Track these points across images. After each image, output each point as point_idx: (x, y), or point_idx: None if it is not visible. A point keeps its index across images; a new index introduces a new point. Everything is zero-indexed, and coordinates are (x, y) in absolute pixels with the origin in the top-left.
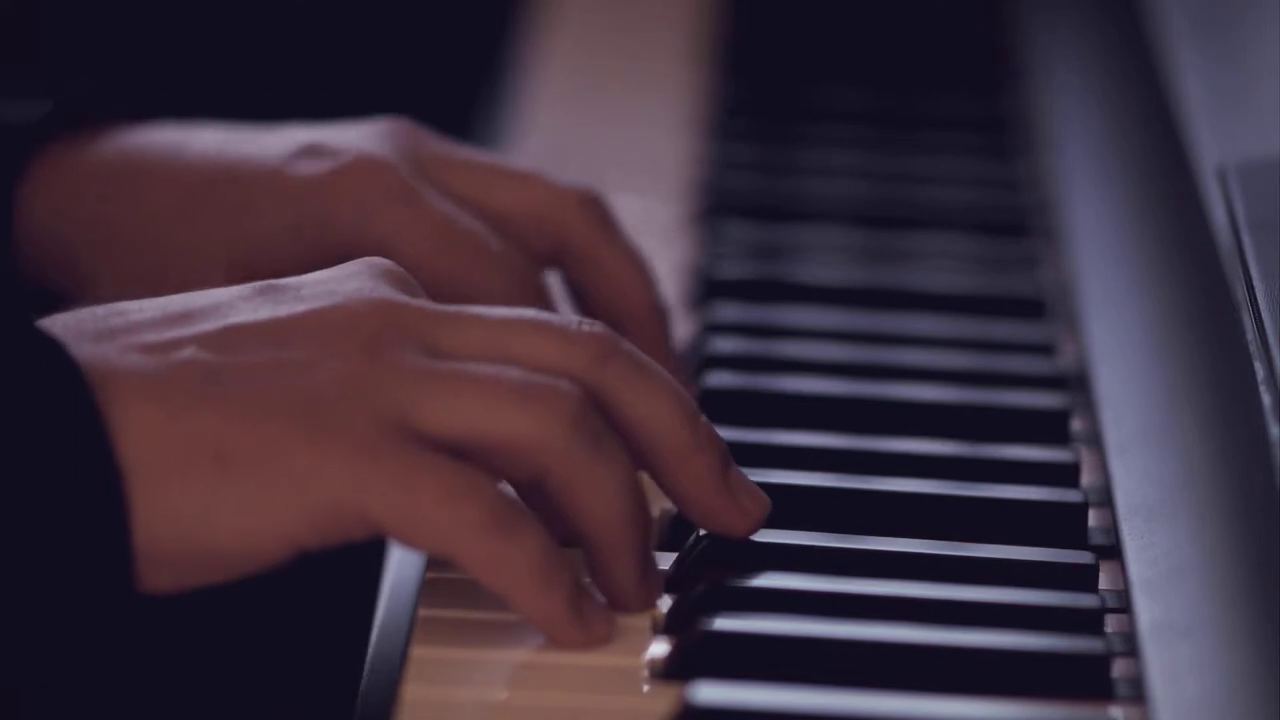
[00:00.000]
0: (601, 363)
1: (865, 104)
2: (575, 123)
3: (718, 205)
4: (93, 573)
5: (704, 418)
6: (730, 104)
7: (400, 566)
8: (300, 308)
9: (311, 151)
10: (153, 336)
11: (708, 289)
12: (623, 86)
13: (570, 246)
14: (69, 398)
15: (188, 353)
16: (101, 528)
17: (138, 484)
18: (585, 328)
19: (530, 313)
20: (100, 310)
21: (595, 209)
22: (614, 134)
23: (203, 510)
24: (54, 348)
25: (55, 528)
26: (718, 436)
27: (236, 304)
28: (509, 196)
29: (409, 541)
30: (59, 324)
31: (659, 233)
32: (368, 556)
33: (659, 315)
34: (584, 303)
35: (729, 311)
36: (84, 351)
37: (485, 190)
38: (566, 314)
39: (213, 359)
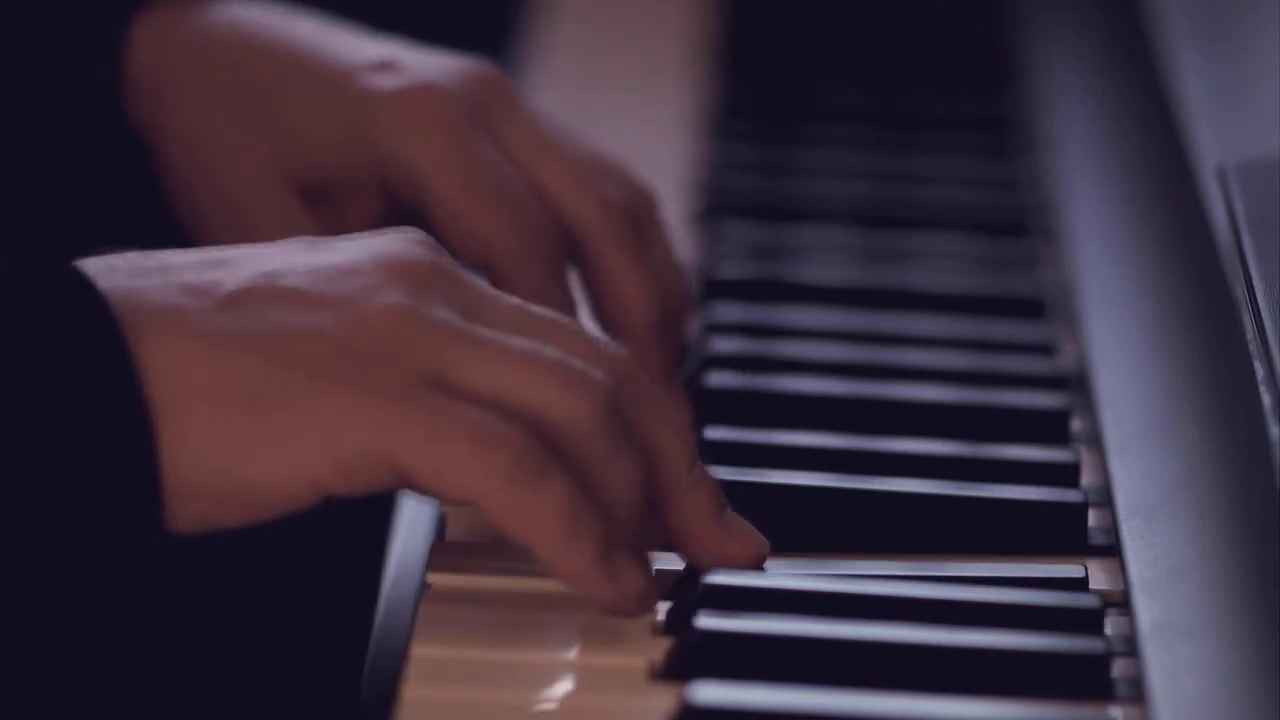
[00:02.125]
0: (622, 382)
1: (865, 104)
2: (575, 123)
3: (718, 205)
4: (122, 502)
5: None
6: (730, 104)
7: (400, 566)
8: (339, 258)
9: (385, 67)
10: (189, 277)
11: (708, 289)
12: (622, 87)
13: (583, 248)
14: (95, 330)
15: (223, 293)
16: (130, 458)
17: (166, 416)
18: (611, 347)
19: (564, 317)
20: (134, 255)
21: (625, 222)
22: (614, 134)
23: (232, 447)
24: (82, 282)
25: (83, 458)
26: (714, 479)
27: (275, 253)
28: (549, 180)
29: (436, 489)
30: (92, 263)
31: None
32: (368, 555)
33: (656, 342)
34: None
35: (729, 311)
36: (117, 287)
37: (535, 164)
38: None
39: (249, 299)
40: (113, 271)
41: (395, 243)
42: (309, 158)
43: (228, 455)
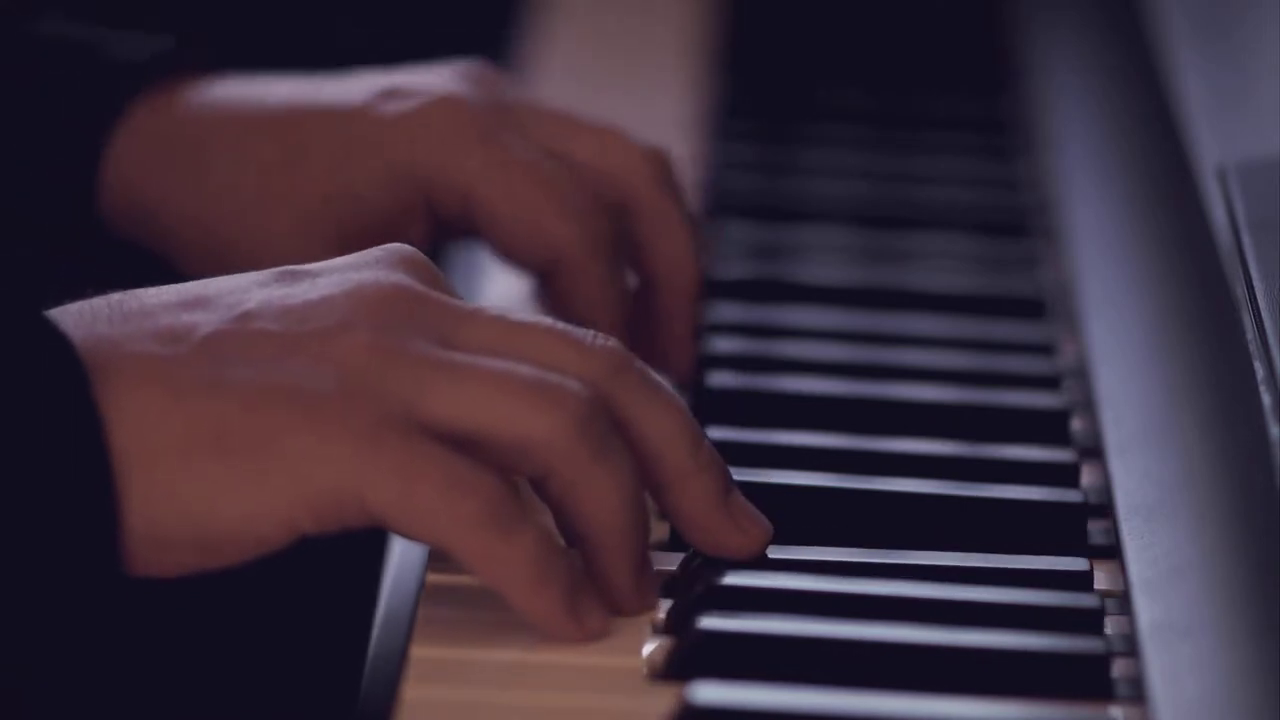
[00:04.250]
0: (612, 376)
1: (865, 104)
2: None
3: (718, 205)
4: (79, 555)
5: (709, 441)
6: (730, 104)
7: (400, 566)
8: (314, 294)
9: (394, 93)
10: (166, 320)
11: (708, 289)
12: (623, 87)
13: (638, 202)
14: (63, 384)
15: (198, 338)
16: (88, 510)
17: (135, 467)
18: (600, 341)
19: (547, 320)
20: (117, 296)
21: (664, 168)
22: None
23: (202, 493)
24: (53, 334)
25: (44, 509)
26: (721, 460)
27: (253, 289)
28: (586, 149)
29: (406, 532)
30: (74, 310)
31: None
32: (367, 556)
33: (698, 282)
34: (635, 260)
35: (729, 311)
36: (94, 336)
37: (564, 140)
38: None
39: (222, 344)
40: (93, 319)
41: (371, 271)
42: (361, 203)
43: (201, 501)
